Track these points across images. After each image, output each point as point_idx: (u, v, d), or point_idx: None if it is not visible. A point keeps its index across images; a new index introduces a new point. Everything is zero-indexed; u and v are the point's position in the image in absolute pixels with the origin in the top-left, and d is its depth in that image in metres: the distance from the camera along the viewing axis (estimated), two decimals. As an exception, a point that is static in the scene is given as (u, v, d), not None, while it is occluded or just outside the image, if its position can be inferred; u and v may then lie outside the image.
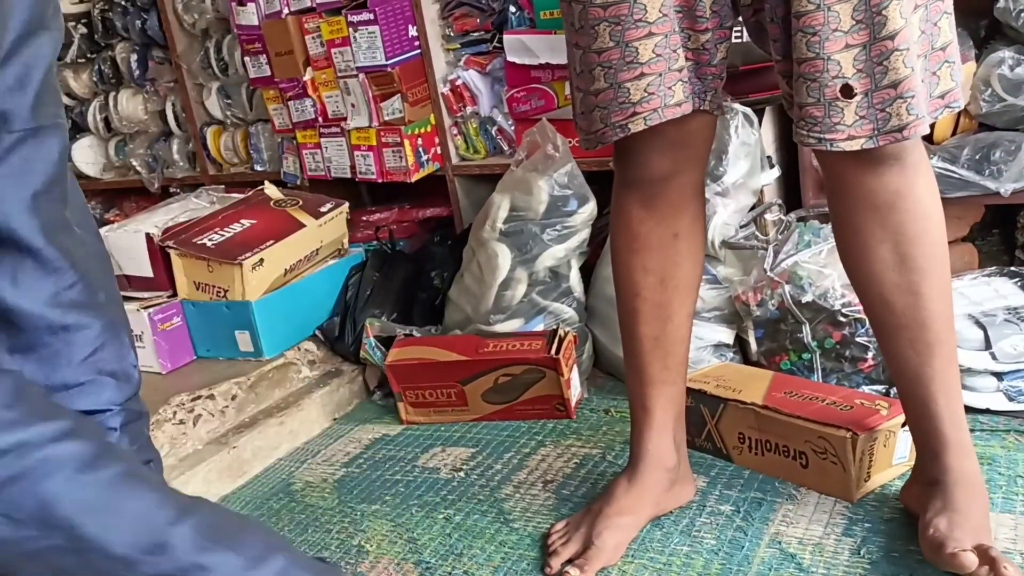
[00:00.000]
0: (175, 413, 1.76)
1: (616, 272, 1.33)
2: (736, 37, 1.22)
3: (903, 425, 1.32)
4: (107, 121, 2.88)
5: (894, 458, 1.38)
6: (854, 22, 1.01)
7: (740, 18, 1.17)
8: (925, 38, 1.05)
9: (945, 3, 1.06)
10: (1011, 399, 1.51)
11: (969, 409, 1.50)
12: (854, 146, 1.05)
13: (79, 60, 2.86)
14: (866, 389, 1.60)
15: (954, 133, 1.76)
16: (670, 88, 1.12)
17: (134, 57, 2.73)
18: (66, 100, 2.97)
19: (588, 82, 1.15)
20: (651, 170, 1.23)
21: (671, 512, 1.39)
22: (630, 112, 1.13)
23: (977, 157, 1.67)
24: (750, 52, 1.66)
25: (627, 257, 1.30)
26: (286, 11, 2.26)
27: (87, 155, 3.00)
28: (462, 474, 1.63)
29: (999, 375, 1.52)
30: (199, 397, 1.81)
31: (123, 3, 2.68)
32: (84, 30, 2.82)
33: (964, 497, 1.16)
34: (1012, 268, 1.74)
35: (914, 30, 1.03)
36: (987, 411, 1.51)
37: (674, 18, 1.10)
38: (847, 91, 1.02)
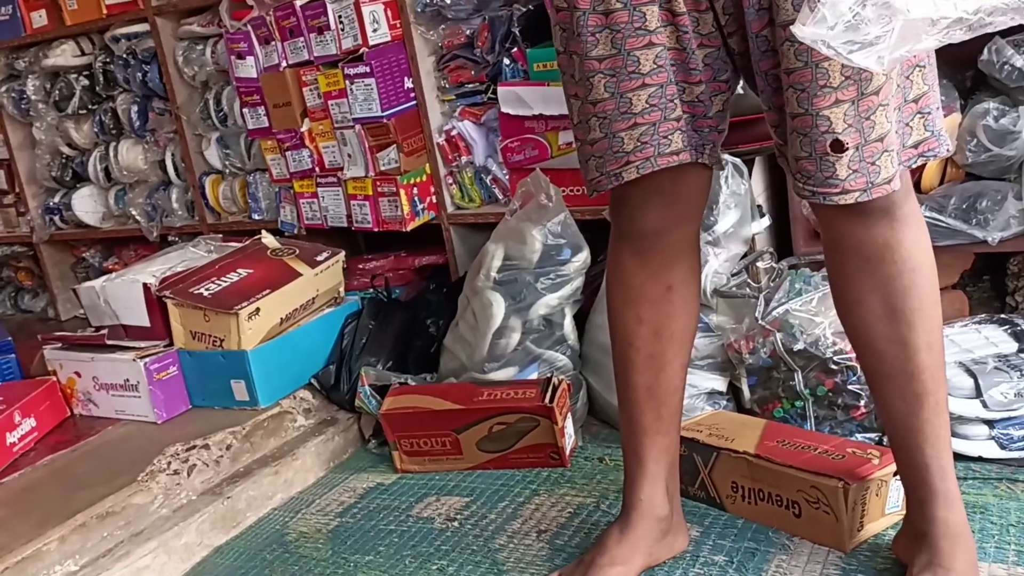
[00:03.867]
0: (170, 463, 1.76)
1: (611, 322, 1.34)
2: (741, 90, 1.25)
3: (895, 474, 1.33)
4: (107, 171, 2.92)
5: (887, 507, 1.38)
6: (843, 78, 1.03)
7: (738, 70, 1.19)
8: (899, 91, 1.07)
9: (917, 57, 1.07)
10: (1003, 447, 1.51)
11: (961, 457, 1.51)
12: (849, 199, 1.07)
13: (80, 111, 2.90)
14: (859, 437, 1.60)
15: (941, 182, 1.78)
16: (665, 137, 1.14)
17: (135, 108, 2.77)
18: (67, 150, 3.01)
19: (585, 132, 1.17)
20: (645, 224, 1.25)
21: (664, 563, 1.38)
22: (623, 161, 1.15)
23: (964, 206, 1.70)
24: (738, 104, 1.68)
25: (621, 308, 1.32)
26: (284, 64, 2.30)
27: (87, 204, 3.03)
28: (456, 524, 1.62)
29: (990, 423, 1.52)
30: (194, 447, 1.81)
31: (124, 56, 2.73)
32: (86, 82, 2.86)
33: (950, 550, 1.16)
34: (1002, 315, 1.75)
35: (892, 84, 1.05)
36: (979, 459, 1.52)
37: (669, 70, 1.12)
38: (837, 146, 1.04)
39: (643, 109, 1.12)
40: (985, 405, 1.51)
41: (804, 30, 0.90)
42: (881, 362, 1.20)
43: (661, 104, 1.12)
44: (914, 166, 1.10)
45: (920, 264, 1.16)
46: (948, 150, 1.11)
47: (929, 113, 1.09)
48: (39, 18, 2.87)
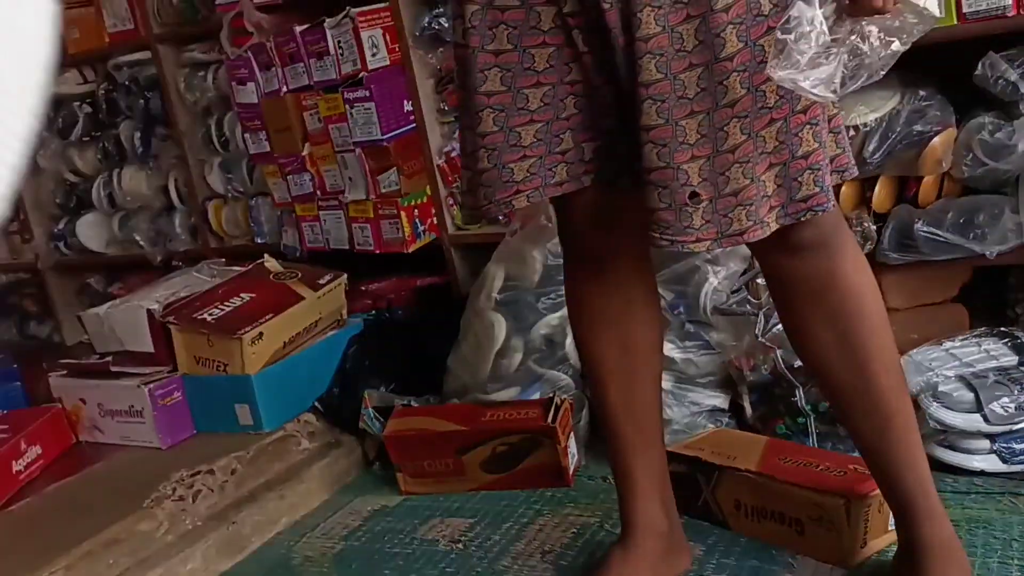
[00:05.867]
0: (175, 489, 1.77)
1: (577, 345, 1.38)
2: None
3: (897, 490, 1.33)
4: (111, 197, 2.94)
5: (890, 523, 1.37)
6: (699, 135, 1.07)
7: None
8: (784, 148, 1.09)
9: (808, 115, 1.08)
10: (1005, 461, 1.51)
11: (963, 472, 1.51)
12: (701, 247, 1.11)
13: (84, 139, 2.93)
14: (861, 453, 1.60)
15: (938, 197, 1.79)
16: (550, 170, 1.18)
17: (137, 135, 2.80)
18: (71, 177, 3.03)
19: (474, 162, 1.21)
20: (592, 248, 1.29)
21: (668, 582, 1.39)
22: (514, 190, 1.18)
23: (961, 221, 1.70)
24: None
25: (586, 331, 1.35)
26: (284, 89, 2.32)
27: (91, 230, 3.05)
28: (460, 546, 1.63)
29: (992, 437, 1.52)
30: (199, 472, 1.82)
31: (127, 83, 2.75)
32: (89, 110, 2.89)
33: (942, 567, 1.17)
34: (1002, 328, 1.75)
35: (763, 143, 1.08)
36: (982, 473, 1.52)
37: (557, 106, 1.16)
38: (694, 197, 1.09)
39: (531, 143, 1.17)
40: (986, 419, 1.52)
41: (778, 72, 0.96)
42: (843, 390, 1.23)
43: (547, 139, 1.17)
44: (803, 219, 1.11)
45: (863, 289, 1.19)
46: (833, 207, 1.12)
47: (819, 169, 1.10)
48: (42, 47, 2.90)
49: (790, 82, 0.96)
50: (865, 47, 0.96)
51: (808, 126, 1.09)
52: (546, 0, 1.12)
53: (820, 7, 0.96)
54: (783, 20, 0.96)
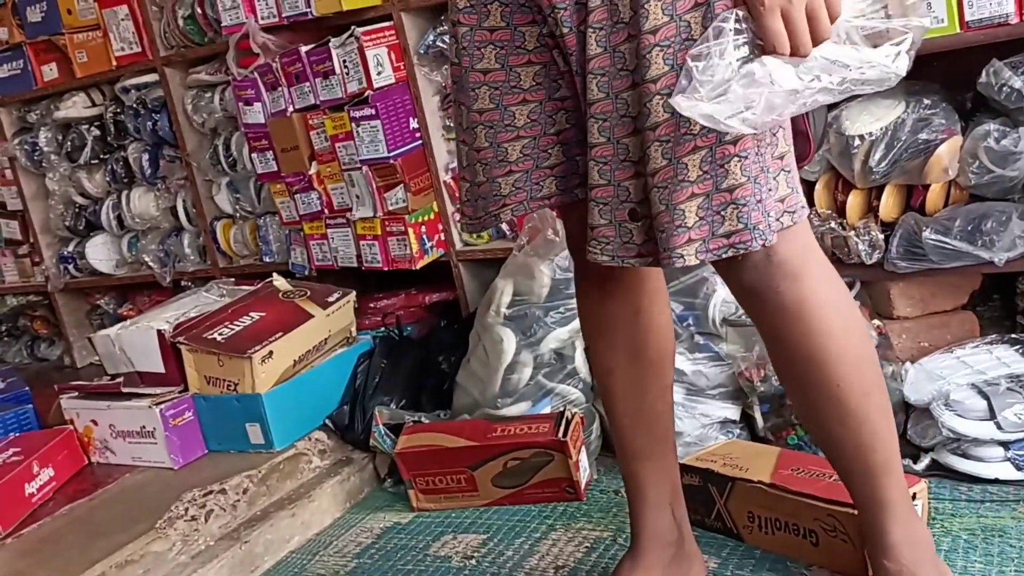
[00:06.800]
0: (187, 509, 1.77)
1: (587, 353, 1.38)
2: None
3: (913, 496, 1.32)
4: (120, 219, 2.95)
5: (904, 533, 1.37)
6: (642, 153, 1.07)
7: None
8: (708, 178, 1.04)
9: (737, 147, 1.03)
10: (1019, 468, 1.50)
11: (977, 480, 1.51)
12: (641, 263, 1.10)
13: (92, 161, 2.95)
14: (874, 462, 1.59)
15: (946, 205, 1.79)
16: (537, 183, 1.20)
17: (145, 156, 2.81)
18: (80, 199, 3.05)
19: (472, 175, 1.23)
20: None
21: (682, 595, 1.38)
22: (501, 203, 1.21)
23: (969, 228, 1.70)
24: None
25: (595, 339, 1.35)
26: (291, 109, 2.34)
27: (101, 252, 3.06)
28: (474, 562, 1.62)
29: (1006, 444, 1.52)
30: (211, 492, 1.82)
31: (134, 105, 2.77)
32: (97, 132, 2.91)
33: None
34: (1013, 335, 1.75)
35: (685, 170, 1.04)
36: (996, 481, 1.51)
37: (545, 122, 1.18)
38: (633, 215, 1.09)
39: (517, 158, 1.19)
40: (999, 427, 1.51)
41: (681, 101, 0.95)
42: (814, 430, 1.24)
43: (534, 155, 1.18)
44: (724, 256, 1.06)
45: (821, 329, 1.13)
46: (763, 245, 1.06)
47: (745, 205, 1.04)
48: (50, 71, 2.92)
49: (689, 111, 0.95)
50: (780, 82, 0.94)
51: (736, 159, 1.03)
52: (529, 21, 1.14)
53: (734, 37, 0.95)
54: (693, 48, 0.96)
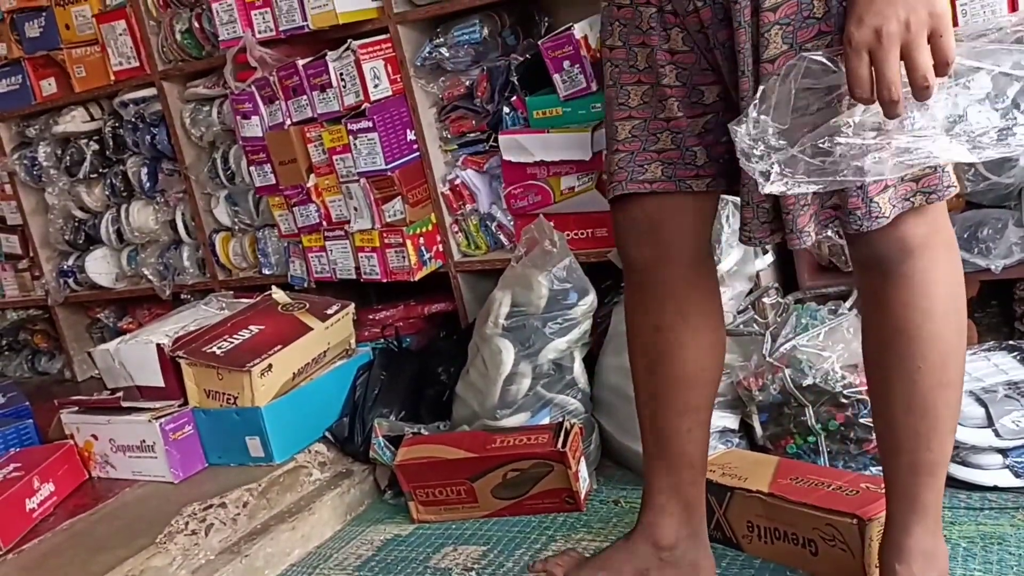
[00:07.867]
0: (187, 523, 1.77)
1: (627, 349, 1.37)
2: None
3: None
4: (119, 232, 2.96)
5: (903, 541, 1.37)
6: None
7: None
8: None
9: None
10: (1018, 475, 1.50)
11: (976, 487, 1.51)
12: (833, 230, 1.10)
13: (92, 175, 2.95)
14: (873, 470, 1.60)
15: (942, 212, 1.79)
16: (641, 166, 1.19)
17: (144, 170, 2.82)
18: (80, 214, 3.06)
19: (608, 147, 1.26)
20: (632, 258, 1.29)
21: (684, 606, 1.38)
22: (609, 181, 1.23)
23: (966, 235, 1.71)
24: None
25: (630, 339, 1.35)
26: (288, 122, 2.34)
27: (100, 266, 3.06)
28: (473, 574, 1.62)
29: (1004, 451, 1.52)
30: (211, 506, 1.82)
31: (133, 120, 2.78)
32: (96, 147, 2.91)
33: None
34: (1011, 342, 1.75)
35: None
36: (994, 488, 1.51)
37: (655, 106, 1.17)
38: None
39: (625, 138, 1.19)
40: (997, 434, 1.51)
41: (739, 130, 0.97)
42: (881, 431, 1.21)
43: (642, 136, 1.18)
44: (915, 203, 1.07)
45: (920, 323, 1.11)
46: (880, 224, 1.07)
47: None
48: (48, 86, 2.93)
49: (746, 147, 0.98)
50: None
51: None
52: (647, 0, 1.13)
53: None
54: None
